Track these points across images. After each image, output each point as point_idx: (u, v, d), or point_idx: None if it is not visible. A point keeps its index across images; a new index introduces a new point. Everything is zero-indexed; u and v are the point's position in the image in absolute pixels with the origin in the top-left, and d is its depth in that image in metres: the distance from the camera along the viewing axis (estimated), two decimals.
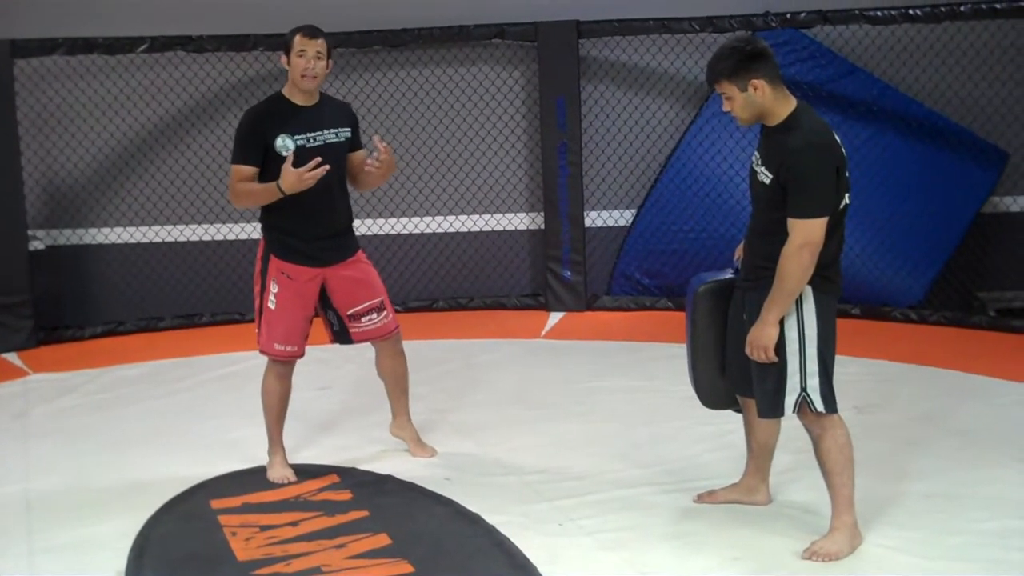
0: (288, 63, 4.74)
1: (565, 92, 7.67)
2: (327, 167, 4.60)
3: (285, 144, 4.65)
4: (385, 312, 4.97)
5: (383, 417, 5.29)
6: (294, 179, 4.56)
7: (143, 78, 7.74)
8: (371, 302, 4.93)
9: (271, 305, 4.80)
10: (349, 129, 4.87)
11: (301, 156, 4.64)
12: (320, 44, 4.73)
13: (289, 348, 4.83)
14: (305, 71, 4.70)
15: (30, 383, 6.60)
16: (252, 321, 6.92)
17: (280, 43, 4.89)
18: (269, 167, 4.69)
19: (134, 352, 7.12)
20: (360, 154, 4.97)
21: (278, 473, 4.90)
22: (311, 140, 4.71)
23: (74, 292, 7.82)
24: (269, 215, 4.78)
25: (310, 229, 4.75)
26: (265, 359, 4.92)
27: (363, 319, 4.93)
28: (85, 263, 7.88)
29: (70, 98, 7.69)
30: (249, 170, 4.69)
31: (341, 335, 5.00)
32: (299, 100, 4.76)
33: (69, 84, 7.68)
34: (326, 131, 4.76)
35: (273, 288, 4.78)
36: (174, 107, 7.83)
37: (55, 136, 7.71)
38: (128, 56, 7.56)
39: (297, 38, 4.73)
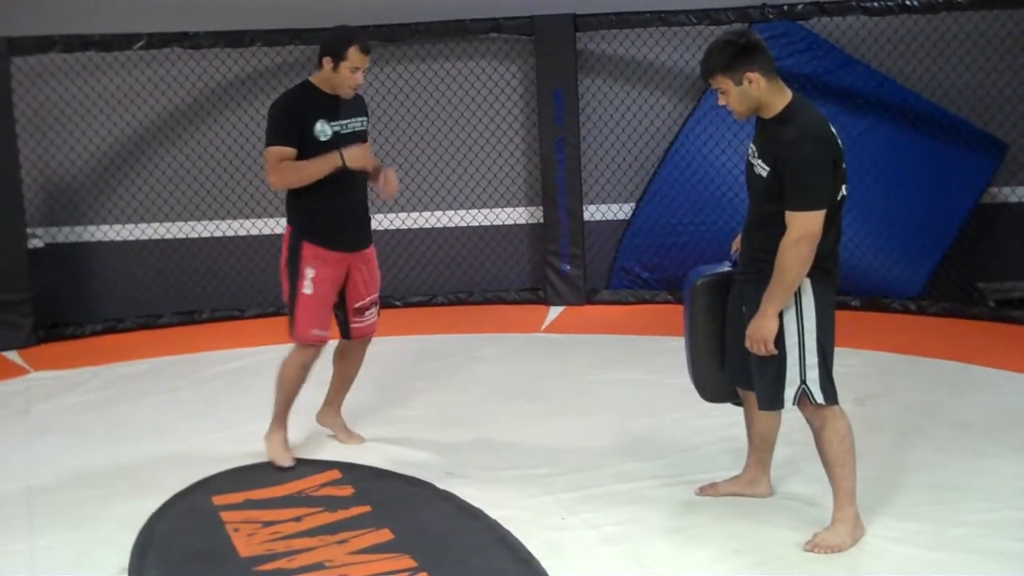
0: (334, 68, 4.74)
1: (562, 86, 7.66)
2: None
3: (323, 130, 4.76)
4: (377, 308, 5.10)
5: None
6: (360, 153, 4.73)
7: (140, 75, 7.73)
8: (373, 296, 5.05)
9: (308, 291, 4.85)
10: (366, 118, 4.98)
11: (336, 142, 4.76)
12: (369, 58, 4.81)
13: (325, 333, 4.92)
14: (355, 85, 4.79)
15: (31, 381, 6.60)
16: (253, 317, 6.93)
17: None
18: (302, 152, 4.77)
19: (134, 349, 7.12)
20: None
21: (280, 452, 4.94)
22: (344, 127, 4.82)
23: (74, 289, 7.82)
24: (301, 199, 4.85)
25: (342, 212, 4.87)
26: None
27: (365, 314, 5.03)
28: (84, 260, 7.88)
29: (67, 95, 7.69)
30: (291, 151, 4.75)
31: (344, 329, 5.08)
32: (328, 89, 4.82)
33: (66, 81, 7.68)
34: (353, 119, 4.87)
35: (309, 273, 4.85)
36: (172, 104, 7.82)
37: (53, 134, 7.70)
38: (125, 53, 7.55)
39: (354, 52, 4.73)
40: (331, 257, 4.86)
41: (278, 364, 5.01)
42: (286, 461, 4.93)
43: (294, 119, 4.74)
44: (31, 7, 7.60)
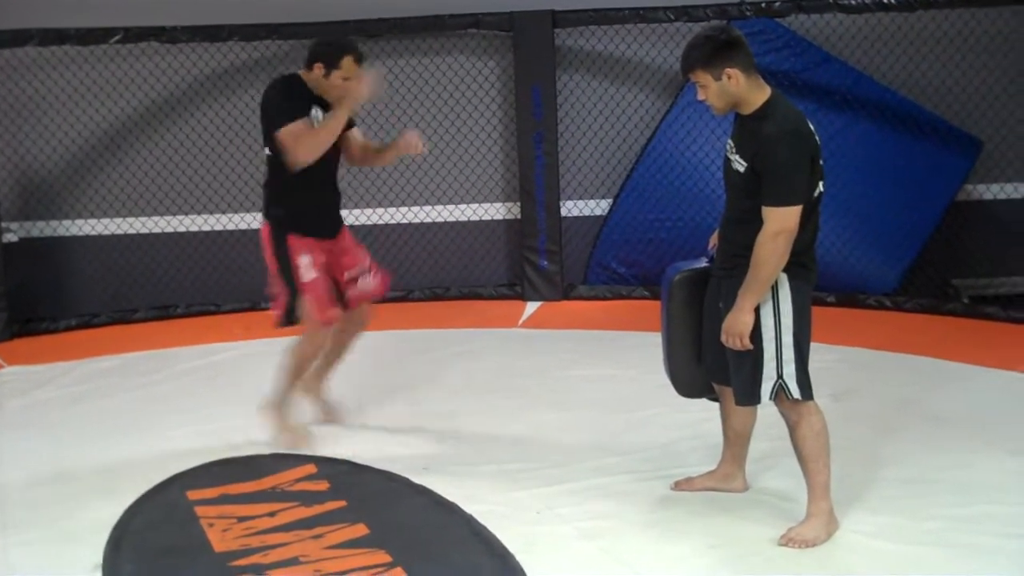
0: (325, 75, 4.79)
1: (541, 82, 7.66)
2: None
3: (317, 116, 4.81)
4: (375, 272, 5.18)
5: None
6: (365, 86, 4.78)
7: (116, 69, 7.70)
8: (363, 265, 5.14)
9: (310, 276, 4.90)
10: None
11: None
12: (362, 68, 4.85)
13: (336, 311, 5.00)
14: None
15: (4, 376, 6.56)
16: (228, 312, 6.92)
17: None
18: None
19: (109, 344, 7.09)
20: (356, 133, 5.13)
21: (297, 438, 5.04)
22: None
23: (48, 284, 7.78)
24: (283, 194, 4.92)
25: (320, 204, 4.98)
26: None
27: (359, 281, 5.11)
28: (59, 255, 7.84)
29: (43, 89, 7.64)
30: (306, 122, 4.77)
31: (340, 301, 5.13)
32: (316, 92, 4.87)
33: (42, 75, 7.63)
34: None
35: (304, 260, 4.91)
36: (148, 98, 7.79)
37: (28, 127, 7.66)
38: (101, 47, 7.52)
39: (348, 62, 4.78)
40: (317, 245, 4.96)
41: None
42: (306, 443, 5.02)
43: (297, 97, 4.79)
44: (6, 0, 7.55)
